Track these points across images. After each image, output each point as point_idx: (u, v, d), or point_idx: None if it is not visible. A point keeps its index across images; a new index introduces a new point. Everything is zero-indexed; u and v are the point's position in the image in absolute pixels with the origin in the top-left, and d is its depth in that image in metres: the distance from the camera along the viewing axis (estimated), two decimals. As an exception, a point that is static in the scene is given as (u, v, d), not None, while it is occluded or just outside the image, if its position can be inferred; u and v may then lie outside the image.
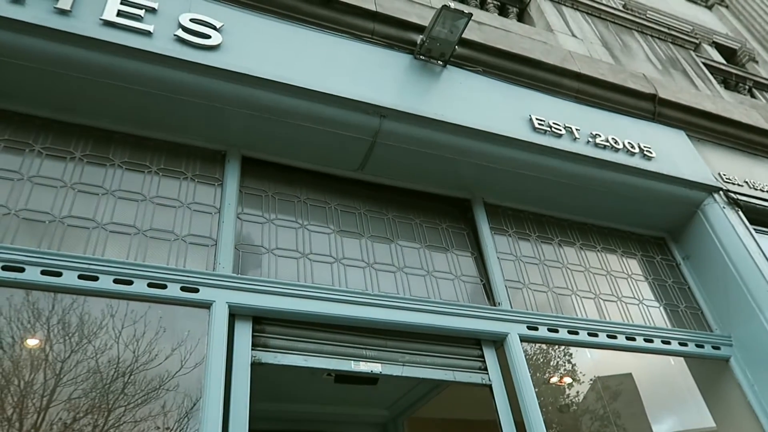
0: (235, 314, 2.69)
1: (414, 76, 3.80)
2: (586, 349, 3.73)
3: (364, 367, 2.85)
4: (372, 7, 3.89)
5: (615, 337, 3.56)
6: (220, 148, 3.28)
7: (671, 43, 6.00)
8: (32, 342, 2.45)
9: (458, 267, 3.53)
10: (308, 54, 3.46)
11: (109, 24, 2.94)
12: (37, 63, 2.83)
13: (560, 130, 3.95)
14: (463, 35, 3.85)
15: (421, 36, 3.85)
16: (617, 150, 4.11)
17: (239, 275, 2.82)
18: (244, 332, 2.69)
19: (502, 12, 5.37)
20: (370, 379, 3.22)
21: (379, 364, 2.90)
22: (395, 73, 3.74)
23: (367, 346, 2.89)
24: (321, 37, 3.62)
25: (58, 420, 2.31)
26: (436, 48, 3.86)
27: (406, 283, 3.30)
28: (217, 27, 3.23)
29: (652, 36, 5.92)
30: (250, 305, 2.72)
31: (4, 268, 2.36)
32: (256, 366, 2.62)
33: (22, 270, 2.40)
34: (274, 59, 3.30)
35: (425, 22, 3.91)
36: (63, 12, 2.86)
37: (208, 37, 3.16)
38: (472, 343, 3.21)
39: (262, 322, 2.76)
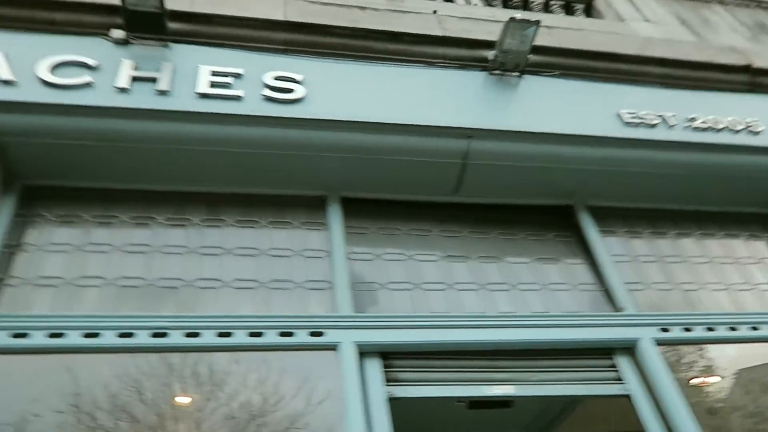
0: (362, 353, 2.80)
1: (492, 91, 3.87)
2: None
3: (497, 390, 2.87)
4: (438, 33, 4.02)
5: (757, 329, 3.38)
6: (320, 194, 3.47)
7: (756, 7, 5.77)
8: (174, 397, 2.65)
9: (573, 276, 3.50)
10: (386, 89, 3.61)
11: (204, 96, 3.21)
12: (148, 143, 3.14)
13: (653, 119, 3.87)
14: (534, 42, 3.91)
15: (492, 51, 3.93)
16: (719, 130, 3.97)
17: (360, 314, 2.94)
18: (374, 369, 2.78)
19: (568, 11, 5.38)
20: (504, 402, 3.23)
21: (512, 386, 2.91)
22: (473, 92, 3.82)
23: (498, 369, 2.91)
24: (395, 71, 3.77)
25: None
26: (509, 60, 3.93)
27: (522, 300, 3.32)
28: (299, 80, 3.45)
29: (733, 4, 5.72)
30: (375, 342, 2.82)
31: (154, 335, 2.60)
32: (392, 401, 2.70)
33: (165, 335, 2.64)
34: (355, 100, 3.47)
35: (494, 37, 3.98)
36: (163, 93, 3.16)
37: (292, 91, 3.38)
38: (602, 353, 3.15)
39: (390, 357, 2.85)
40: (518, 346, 3.00)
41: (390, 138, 3.42)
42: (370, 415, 2.62)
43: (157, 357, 2.64)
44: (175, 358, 2.66)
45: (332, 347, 2.79)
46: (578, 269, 3.57)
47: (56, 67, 3.10)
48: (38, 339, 2.52)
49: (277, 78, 3.42)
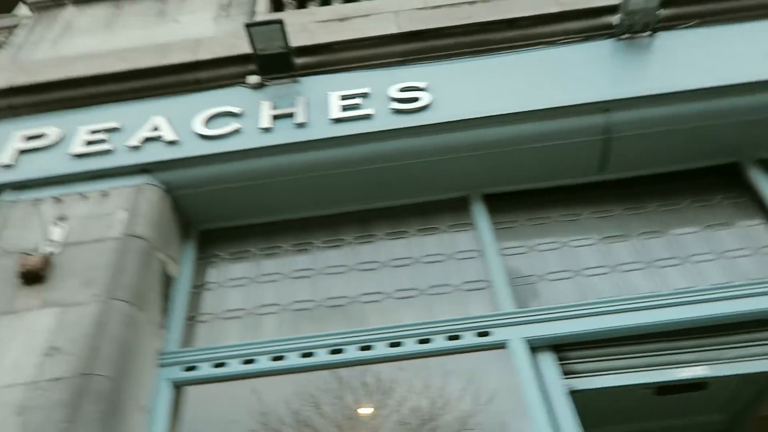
0: (533, 348, 2.77)
1: (623, 58, 3.65)
2: None
3: (687, 373, 2.68)
4: (555, 9, 3.88)
5: None
6: (461, 195, 3.50)
7: None
8: (352, 408, 2.80)
9: (752, 239, 3.18)
10: (511, 78, 3.56)
11: (337, 121, 3.39)
12: (296, 173, 3.38)
13: (826, 48, 3.42)
14: (662, -5, 3.63)
15: (616, 16, 3.71)
16: None
17: (524, 309, 2.91)
18: (548, 364, 2.73)
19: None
20: (696, 385, 3.01)
21: (703, 367, 2.70)
22: (602, 62, 3.63)
23: (684, 350, 2.72)
24: (517, 58, 3.70)
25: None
26: (637, 21, 3.68)
27: (698, 273, 3.07)
28: (423, 87, 3.52)
29: None
30: (545, 336, 2.78)
31: (332, 352, 2.79)
32: (572, 395, 2.64)
33: (341, 351, 2.81)
34: (482, 96, 3.46)
35: (615, 1, 3.77)
36: (301, 125, 3.39)
37: (418, 99, 3.45)
38: (803, 321, 2.83)
39: (563, 349, 2.78)
40: (702, 323, 2.79)
41: (523, 127, 3.36)
42: (553, 409, 2.57)
43: (331, 371, 2.82)
44: (349, 371, 2.82)
45: (501, 345, 2.79)
46: (757, 231, 3.24)
47: (209, 121, 3.45)
48: (234, 366, 2.80)
49: (402, 89, 3.52)
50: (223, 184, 3.36)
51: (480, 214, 3.37)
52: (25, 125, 3.65)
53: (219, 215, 3.50)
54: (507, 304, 2.94)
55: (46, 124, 3.62)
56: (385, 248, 3.31)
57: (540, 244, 3.26)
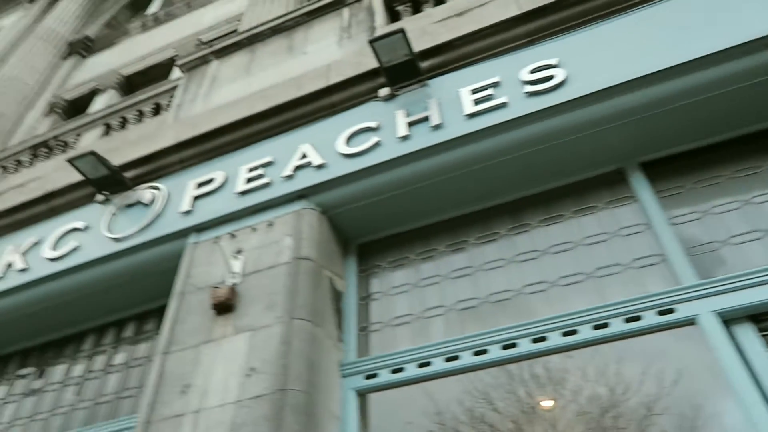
0: (727, 320, 2.53)
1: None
2: None
3: None
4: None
5: None
6: (616, 167, 3.31)
7: None
8: (532, 400, 2.75)
9: None
10: (648, 35, 3.29)
11: (472, 115, 3.40)
12: (439, 175, 3.43)
13: None
14: None
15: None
16: None
17: (708, 280, 2.66)
18: (748, 336, 2.48)
19: None
20: None
21: None
22: (760, -9, 3.24)
23: None
24: (651, 12, 3.40)
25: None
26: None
27: None
28: (555, 64, 3.40)
29: None
30: (740, 306, 2.52)
31: (504, 348, 2.79)
32: (784, 368, 2.37)
33: (514, 345, 2.80)
34: (621, 59, 3.24)
35: None
36: (437, 127, 3.44)
37: (552, 77, 3.34)
38: None
39: (763, 318, 2.52)
40: None
41: (677, 82, 3.10)
42: (762, 385, 2.33)
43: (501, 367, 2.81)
44: (520, 364, 2.80)
45: (689, 322, 2.59)
46: None
47: (350, 140, 3.65)
48: (411, 371, 2.92)
49: (533, 71, 3.43)
50: (373, 197, 3.52)
51: (640, 185, 3.16)
52: (195, 174, 4.13)
53: (374, 227, 3.67)
54: (688, 277, 2.72)
55: (212, 169, 4.06)
56: (542, 236, 3.24)
57: (716, 206, 2.98)
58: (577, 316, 2.74)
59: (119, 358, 3.99)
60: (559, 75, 3.32)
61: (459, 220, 3.54)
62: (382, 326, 3.25)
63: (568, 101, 3.22)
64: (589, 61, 3.33)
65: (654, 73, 3.11)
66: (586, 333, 2.70)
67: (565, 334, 2.73)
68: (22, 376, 4.30)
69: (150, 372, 3.20)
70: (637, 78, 3.12)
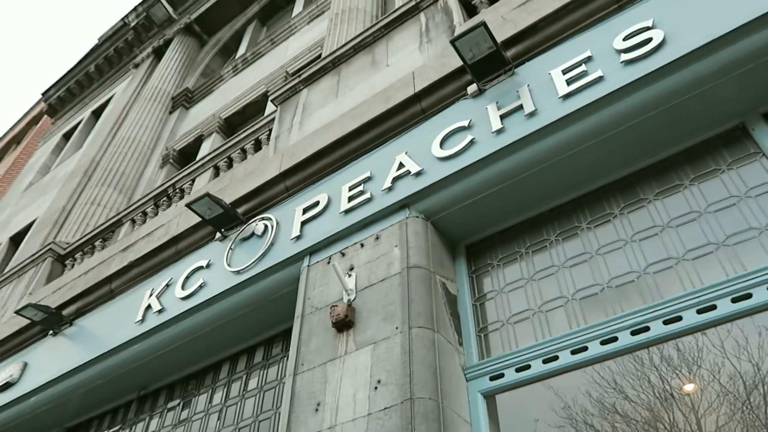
0: None
1: None
2: None
3: None
4: None
5: None
6: (735, 124, 3.10)
7: None
8: (663, 386, 2.61)
9: None
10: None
11: (568, 96, 3.32)
12: (539, 163, 3.39)
13: None
14: None
15: None
16: None
17: None
18: None
19: None
20: None
21: None
22: None
23: None
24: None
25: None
26: None
27: None
28: (650, 26, 3.25)
29: None
30: None
31: (633, 333, 2.69)
32: None
33: (646, 329, 2.68)
34: (720, 8, 3.03)
35: None
36: (532, 114, 3.40)
37: (649, 40, 3.19)
38: None
39: None
40: None
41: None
42: None
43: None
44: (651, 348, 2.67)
45: None
46: None
47: (443, 142, 3.70)
48: (537, 367, 2.88)
49: (627, 37, 3.30)
50: (475, 196, 3.54)
51: (767, 137, 2.93)
52: (301, 200, 4.37)
53: (479, 226, 3.68)
54: (840, 232, 2.48)
55: (315, 193, 4.28)
56: (660, 209, 3.08)
57: None
58: (713, 290, 2.59)
59: (253, 383, 4.29)
60: (656, 37, 3.17)
61: (568, 206, 3.46)
62: (501, 325, 3.23)
63: (671, 62, 3.06)
64: (687, 16, 3.15)
65: (761, 17, 2.88)
66: (724, 307, 2.54)
67: (701, 311, 2.58)
68: (171, 408, 4.74)
69: (283, 393, 3.41)
70: (743, 25, 2.91)
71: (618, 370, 2.70)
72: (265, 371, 4.27)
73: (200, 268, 4.73)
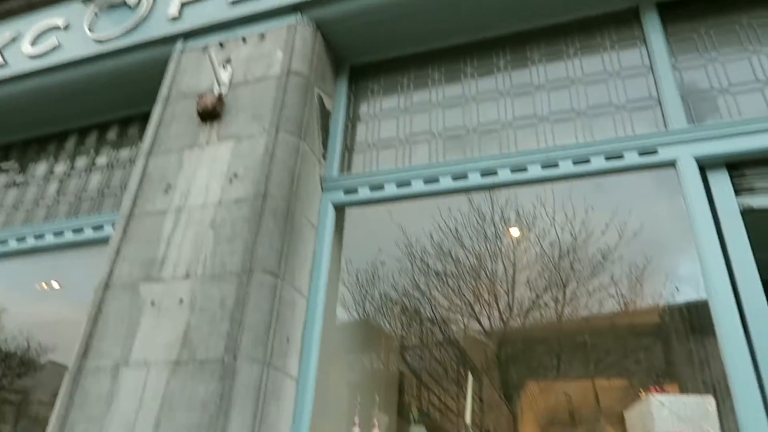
0: (703, 166, 2.82)
1: None
2: None
3: None
4: None
5: None
6: (629, 5, 3.42)
7: None
8: (495, 237, 3.14)
9: None
10: None
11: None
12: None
13: None
14: None
15: None
16: None
17: (695, 126, 2.92)
18: (721, 182, 2.78)
19: None
20: None
21: None
22: None
23: None
24: None
25: (525, 298, 2.98)
26: None
27: None
28: None
29: None
30: (718, 153, 2.79)
31: (483, 175, 3.12)
32: (747, 213, 2.69)
33: (494, 173, 3.12)
34: None
35: None
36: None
37: None
38: None
39: (739, 167, 2.80)
40: None
41: None
42: (722, 229, 2.66)
43: (482, 199, 3.15)
44: (497, 196, 3.13)
45: (669, 164, 2.87)
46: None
47: (353, -52, 3.70)
48: (390, 189, 3.26)
49: None
50: (372, 16, 3.66)
51: (652, 26, 3.30)
52: (185, -24, 4.20)
53: (369, 49, 3.84)
54: (677, 122, 2.96)
55: (202, -28, 4.14)
56: (541, 71, 3.43)
57: (724, 55, 3.14)
58: (560, 151, 3.03)
59: (102, 159, 4.35)
60: None
61: (458, 50, 3.71)
62: (367, 147, 3.55)
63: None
64: None
65: None
66: (566, 167, 3.00)
67: (545, 166, 3.03)
68: (5, 170, 4.69)
69: (133, 172, 3.54)
70: None
71: (462, 222, 3.15)
72: (117, 150, 4.33)
73: (57, 28, 4.49)
